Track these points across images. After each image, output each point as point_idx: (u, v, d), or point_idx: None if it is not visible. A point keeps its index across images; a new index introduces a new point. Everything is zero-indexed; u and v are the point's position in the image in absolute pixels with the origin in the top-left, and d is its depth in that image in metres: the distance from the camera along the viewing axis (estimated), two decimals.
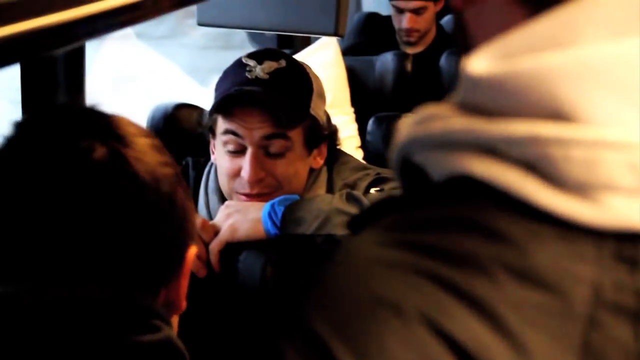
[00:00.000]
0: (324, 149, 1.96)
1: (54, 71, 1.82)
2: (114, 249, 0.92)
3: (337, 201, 1.77)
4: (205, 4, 2.16)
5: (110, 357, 0.88)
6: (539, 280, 0.53)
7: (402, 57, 3.20)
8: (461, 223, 0.56)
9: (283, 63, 1.87)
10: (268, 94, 1.80)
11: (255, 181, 1.83)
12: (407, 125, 0.64)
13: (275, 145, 1.83)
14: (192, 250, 1.03)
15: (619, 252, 0.53)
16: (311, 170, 1.95)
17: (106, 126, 0.95)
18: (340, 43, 3.16)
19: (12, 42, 0.79)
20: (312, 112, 1.88)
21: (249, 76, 1.83)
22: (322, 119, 1.94)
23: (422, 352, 0.51)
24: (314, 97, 1.90)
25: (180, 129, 2.49)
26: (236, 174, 1.85)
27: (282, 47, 3.37)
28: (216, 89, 1.92)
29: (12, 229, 0.91)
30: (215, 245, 1.80)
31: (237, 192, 1.86)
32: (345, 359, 0.51)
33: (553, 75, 0.55)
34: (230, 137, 1.84)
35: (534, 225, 0.54)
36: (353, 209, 1.73)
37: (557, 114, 0.54)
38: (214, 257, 1.79)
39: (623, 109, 0.54)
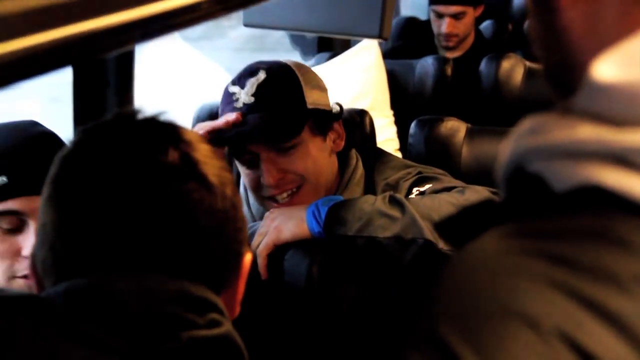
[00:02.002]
0: (339, 129, 1.97)
1: (104, 72, 1.83)
2: (184, 244, 0.94)
3: (379, 203, 1.76)
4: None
5: (175, 348, 0.89)
6: None
7: (442, 62, 3.19)
8: (595, 234, 0.54)
9: (262, 76, 1.88)
10: (260, 119, 1.82)
11: (275, 182, 1.84)
12: (519, 135, 0.62)
13: (284, 145, 1.85)
14: (248, 257, 1.03)
15: None
16: (340, 158, 1.96)
17: (174, 132, 0.97)
18: (381, 46, 3.15)
19: (67, 45, 0.77)
20: (310, 106, 1.88)
21: (237, 105, 1.86)
22: (325, 104, 1.94)
23: None
24: (307, 91, 1.90)
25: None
26: (258, 182, 1.87)
27: (321, 50, 3.39)
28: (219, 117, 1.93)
29: (90, 224, 0.93)
30: (263, 249, 1.81)
31: (267, 201, 1.89)
32: None
33: None
34: (242, 158, 1.89)
35: None
36: (396, 212, 1.73)
37: None
38: (261, 261, 1.81)
39: None
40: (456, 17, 3.49)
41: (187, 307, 0.90)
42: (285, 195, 1.86)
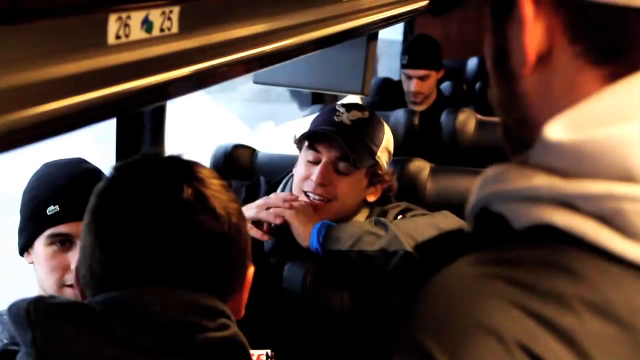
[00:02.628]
0: (379, 189, 1.96)
1: (142, 117, 1.83)
2: (198, 264, 0.95)
3: (367, 225, 1.79)
4: None
5: (192, 348, 0.90)
6: (615, 315, 0.51)
7: (410, 114, 3.23)
8: (547, 264, 0.54)
9: (367, 115, 1.92)
10: (346, 136, 1.83)
11: (319, 183, 1.85)
12: (485, 181, 0.62)
13: (342, 166, 1.86)
14: (251, 270, 1.04)
15: None
16: (365, 202, 1.96)
17: (189, 171, 0.98)
18: (363, 101, 3.17)
19: (116, 101, 0.78)
20: (376, 158, 1.89)
21: (336, 119, 1.88)
22: (384, 165, 1.94)
23: None
24: (381, 148, 1.91)
25: (238, 163, 2.52)
26: (307, 177, 1.87)
27: (315, 102, 3.40)
28: (313, 121, 1.98)
29: (121, 248, 0.94)
30: (275, 215, 1.83)
31: (303, 191, 1.88)
32: None
33: (625, 145, 0.53)
34: (311, 151, 1.88)
35: (608, 268, 0.52)
36: (380, 231, 1.75)
37: (628, 177, 0.53)
38: (265, 235, 1.85)
39: None
40: (422, 78, 3.52)
41: (201, 315, 0.91)
42: (317, 197, 1.86)
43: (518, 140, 0.66)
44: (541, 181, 0.56)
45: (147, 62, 0.82)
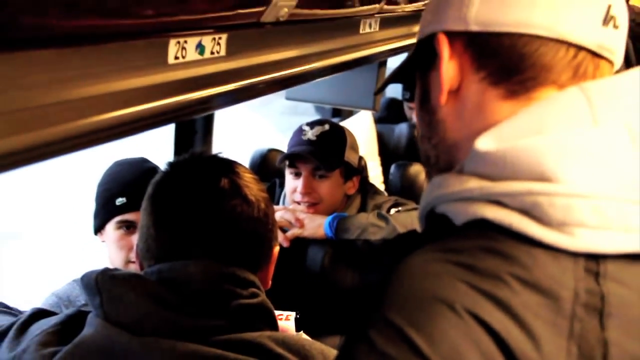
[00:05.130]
0: (356, 181, 1.94)
1: (194, 124, 1.84)
2: (232, 241, 0.95)
3: (371, 217, 1.77)
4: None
5: (227, 312, 0.90)
6: (540, 287, 0.52)
7: (412, 127, 3.20)
8: (484, 249, 0.55)
9: (327, 127, 1.89)
10: (314, 150, 1.82)
11: (304, 192, 1.83)
12: (430, 188, 0.64)
13: (319, 174, 1.84)
14: (276, 248, 1.04)
15: (587, 267, 0.54)
16: (347, 196, 1.94)
17: (227, 166, 1.00)
18: (373, 115, 3.15)
19: (174, 110, 0.78)
20: (345, 159, 1.87)
21: (304, 138, 1.86)
22: (354, 162, 1.92)
23: (470, 335, 0.50)
24: (347, 149, 1.89)
25: (270, 164, 2.51)
26: (294, 190, 1.86)
27: (335, 116, 3.39)
28: (288, 143, 1.94)
29: (171, 227, 0.95)
30: (289, 235, 1.81)
31: (294, 202, 1.86)
32: (418, 341, 0.50)
33: (538, 152, 0.56)
34: (292, 169, 1.87)
35: (531, 250, 0.54)
36: (382, 223, 1.73)
37: (542, 177, 0.55)
38: (286, 241, 1.80)
39: (585, 171, 0.55)
40: None
41: (235, 284, 0.91)
42: (306, 204, 1.85)
43: (438, 161, 0.69)
44: (474, 184, 0.58)
45: (199, 79, 0.82)
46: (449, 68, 0.65)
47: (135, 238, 1.43)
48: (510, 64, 0.62)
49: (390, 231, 1.71)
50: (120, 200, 1.46)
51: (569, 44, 0.61)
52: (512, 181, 0.56)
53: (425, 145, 0.71)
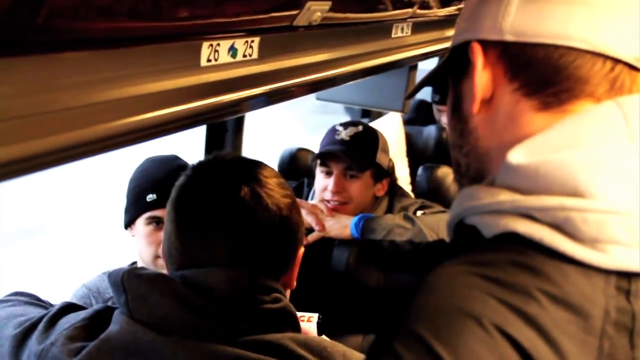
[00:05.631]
0: (385, 184, 1.92)
1: (225, 124, 1.84)
2: (254, 249, 0.93)
3: (397, 219, 1.75)
4: None
5: (250, 317, 0.89)
6: (570, 304, 0.51)
7: (440, 129, 3.17)
8: (513, 264, 0.53)
9: (360, 128, 1.87)
10: (347, 150, 1.80)
11: (335, 192, 1.82)
12: (460, 199, 0.62)
13: (350, 174, 1.83)
14: (301, 250, 1.02)
15: (618, 285, 0.52)
16: (376, 197, 1.92)
17: (249, 172, 0.97)
18: (402, 117, 3.13)
19: (206, 112, 0.77)
20: (377, 161, 1.86)
21: (337, 137, 1.85)
22: (385, 164, 1.90)
23: (497, 351, 0.49)
24: (379, 151, 1.88)
25: (299, 163, 2.50)
26: (325, 188, 1.84)
27: (364, 116, 3.37)
28: (320, 143, 1.93)
29: (192, 237, 0.93)
30: (315, 235, 1.80)
31: (324, 200, 1.85)
32: (444, 356, 0.48)
33: (571, 167, 0.54)
34: (324, 168, 1.85)
35: (562, 266, 0.52)
36: (408, 225, 1.71)
37: (575, 192, 0.53)
38: (311, 239, 1.79)
39: (620, 188, 0.53)
40: None
41: (257, 292, 0.90)
42: (336, 202, 1.83)
43: (468, 169, 0.68)
44: (505, 197, 0.56)
45: (232, 81, 0.81)
46: (482, 77, 0.64)
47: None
48: (545, 75, 0.60)
49: (416, 233, 1.69)
50: (150, 197, 1.47)
51: (606, 57, 0.59)
52: (544, 195, 0.54)
53: (456, 153, 0.69)
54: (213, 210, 0.93)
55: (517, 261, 0.53)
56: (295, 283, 1.02)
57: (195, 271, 0.90)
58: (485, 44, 0.64)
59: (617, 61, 0.59)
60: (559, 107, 0.60)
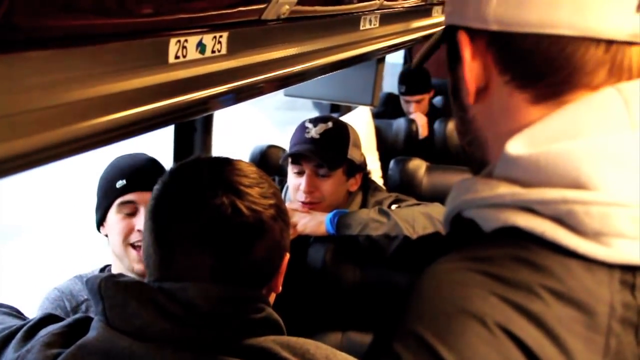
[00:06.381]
0: (358, 178, 1.91)
1: (194, 122, 1.81)
2: (234, 263, 0.90)
3: (372, 213, 1.74)
4: None
5: (232, 327, 0.87)
6: (574, 300, 0.49)
7: (410, 122, 3.18)
8: (515, 259, 0.51)
9: (330, 125, 1.85)
10: (316, 149, 1.79)
11: (308, 192, 1.80)
12: (457, 191, 0.60)
13: (322, 172, 1.81)
14: (286, 257, 0.99)
15: (623, 279, 0.50)
16: (349, 193, 1.91)
17: (229, 178, 0.92)
18: (371, 110, 3.13)
19: (175, 110, 0.75)
20: (348, 156, 1.84)
21: (307, 136, 1.82)
22: (357, 159, 1.89)
23: (501, 352, 0.47)
24: (350, 147, 1.86)
25: (270, 160, 2.48)
26: (297, 188, 1.83)
27: (333, 111, 3.36)
28: (290, 141, 1.90)
29: (169, 250, 0.90)
30: (291, 234, 1.77)
31: (298, 200, 1.83)
32: (447, 356, 0.47)
33: (573, 158, 0.52)
34: (295, 166, 1.83)
35: (565, 260, 0.50)
36: (383, 219, 1.71)
37: (577, 184, 0.51)
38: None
39: (623, 179, 0.51)
40: (418, 102, 3.42)
41: (238, 304, 0.88)
42: (308, 202, 1.81)
43: (473, 158, 0.65)
44: (505, 190, 0.54)
45: (201, 78, 0.79)
46: (473, 68, 0.60)
47: (136, 220, 1.43)
48: (536, 67, 0.57)
49: (392, 226, 1.68)
50: (120, 183, 1.46)
51: (599, 40, 0.55)
52: (545, 188, 0.52)
53: (461, 140, 0.67)
54: (190, 222, 0.89)
55: (519, 256, 0.51)
56: (280, 287, 0.99)
57: (173, 284, 0.88)
58: (473, 33, 0.60)
59: (610, 42, 0.55)
60: (555, 100, 0.57)
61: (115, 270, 1.52)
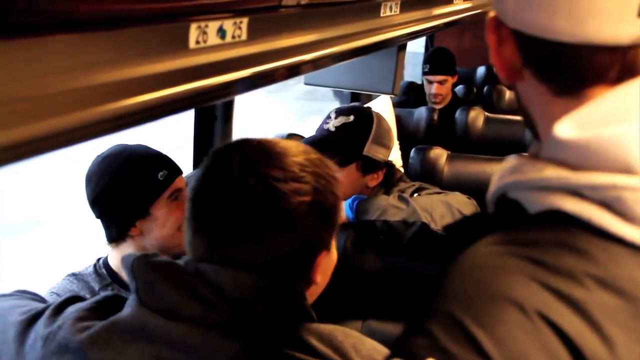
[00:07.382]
0: (380, 174, 1.89)
1: (214, 110, 1.82)
2: (265, 251, 0.89)
3: (392, 200, 1.74)
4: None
5: (258, 314, 0.87)
6: (618, 288, 0.48)
7: (431, 111, 3.16)
8: (559, 244, 0.51)
9: (351, 119, 1.83)
10: (327, 142, 1.77)
11: None
12: (503, 172, 0.60)
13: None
14: (323, 253, 0.95)
15: None
16: (368, 187, 1.89)
17: (269, 162, 0.91)
18: (392, 99, 3.12)
19: (195, 95, 0.76)
20: (364, 153, 1.82)
21: (325, 126, 1.82)
22: (377, 156, 1.85)
23: (540, 340, 0.47)
24: (368, 144, 1.83)
25: None
26: None
27: (353, 100, 3.36)
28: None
29: (205, 235, 0.91)
30: None
31: None
32: (484, 342, 0.47)
33: (624, 142, 0.51)
34: None
35: (610, 247, 0.50)
36: (402, 205, 1.70)
37: (628, 169, 0.50)
38: None
39: None
40: (441, 82, 3.42)
41: (270, 294, 0.88)
42: None
43: (530, 128, 0.65)
44: (552, 173, 0.54)
45: (221, 63, 0.80)
46: (501, 54, 0.61)
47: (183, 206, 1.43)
48: (548, 66, 0.57)
49: (410, 213, 1.67)
50: (162, 174, 1.44)
51: (600, 48, 0.54)
52: (594, 172, 0.51)
53: (520, 114, 0.66)
54: (224, 209, 0.89)
55: (563, 241, 0.51)
56: (319, 281, 0.96)
57: (206, 268, 0.88)
58: (500, 21, 0.61)
59: (614, 48, 0.54)
60: (575, 94, 0.57)
61: (112, 261, 1.51)
